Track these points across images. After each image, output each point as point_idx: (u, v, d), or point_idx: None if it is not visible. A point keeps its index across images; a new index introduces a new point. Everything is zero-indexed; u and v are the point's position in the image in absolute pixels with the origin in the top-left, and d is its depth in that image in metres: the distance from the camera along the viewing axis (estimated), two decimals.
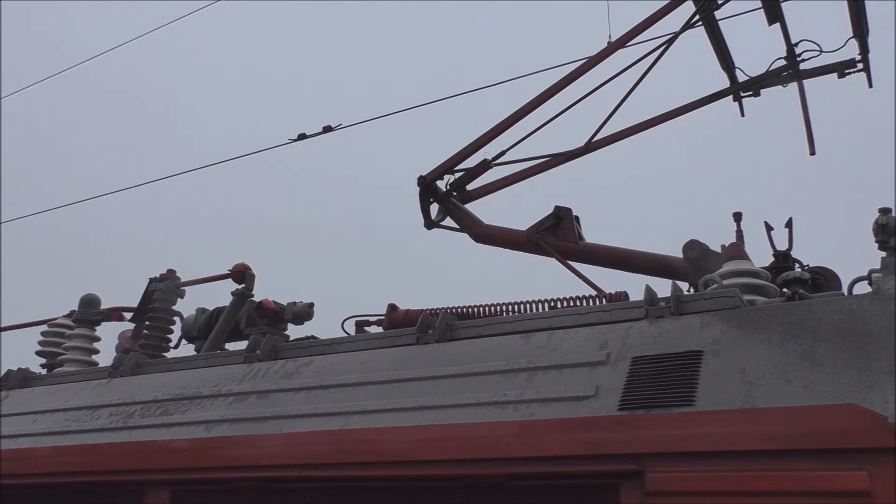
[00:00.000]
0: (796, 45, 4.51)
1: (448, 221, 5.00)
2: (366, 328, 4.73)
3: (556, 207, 4.62)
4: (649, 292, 2.99)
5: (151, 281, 5.38)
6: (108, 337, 5.56)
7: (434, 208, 4.99)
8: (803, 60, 4.52)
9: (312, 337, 4.55)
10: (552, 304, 4.08)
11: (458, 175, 4.89)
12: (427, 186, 4.88)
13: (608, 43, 4.63)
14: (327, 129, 6.14)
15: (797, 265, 3.87)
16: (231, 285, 5.04)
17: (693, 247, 4.09)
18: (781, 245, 3.96)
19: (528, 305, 4.12)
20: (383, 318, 4.68)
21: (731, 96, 4.74)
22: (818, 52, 4.47)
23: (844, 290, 3.26)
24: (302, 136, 6.11)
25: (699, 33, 4.65)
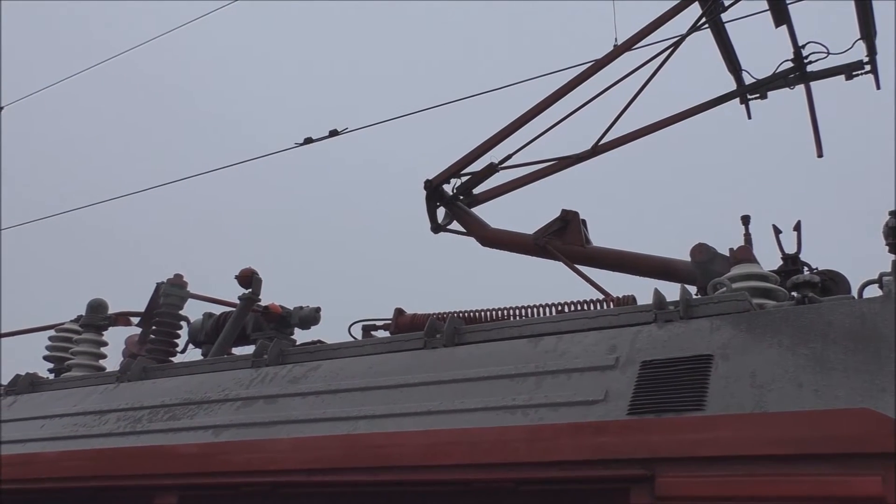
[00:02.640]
0: (803, 46, 4.50)
1: (454, 225, 4.99)
2: (373, 333, 4.72)
3: (563, 211, 4.61)
4: (658, 296, 2.97)
5: (158, 285, 5.38)
6: (116, 342, 5.58)
7: (441, 212, 4.99)
8: (810, 62, 4.51)
9: (319, 341, 4.55)
10: (560, 308, 4.06)
11: (464, 179, 4.89)
12: (433, 190, 4.87)
13: (614, 46, 4.62)
14: (333, 133, 6.14)
15: (806, 268, 3.85)
16: (238, 289, 5.05)
17: (701, 250, 4.07)
18: (790, 248, 3.95)
19: (535, 309, 4.11)
20: (390, 322, 4.68)
21: (737, 99, 4.73)
22: (825, 54, 4.45)
23: (854, 293, 3.24)
24: (308, 140, 6.12)
25: (706, 36, 4.65)
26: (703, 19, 4.51)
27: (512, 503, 2.53)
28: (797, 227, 3.94)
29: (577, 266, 4.43)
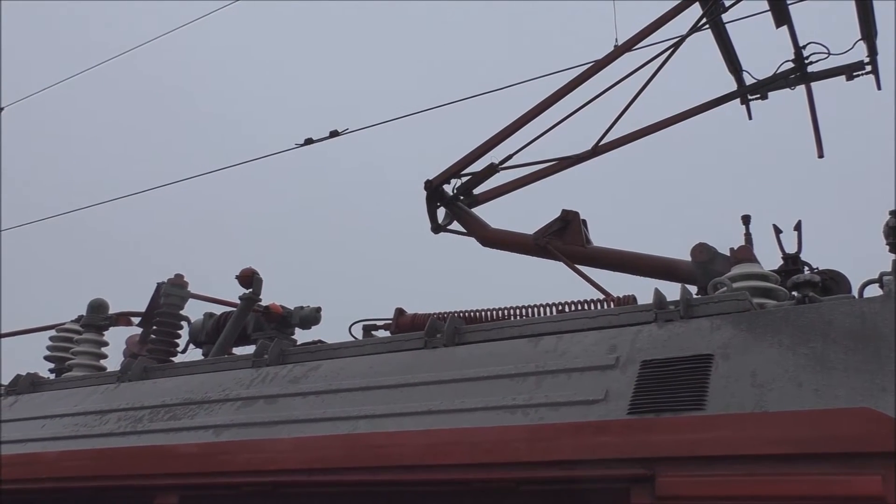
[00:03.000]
0: (804, 47, 4.50)
1: (455, 225, 4.99)
2: (373, 332, 4.72)
3: (564, 211, 4.61)
4: (658, 296, 2.98)
5: (159, 285, 5.38)
6: (116, 342, 5.58)
7: (441, 212, 4.99)
8: (811, 63, 4.50)
9: (320, 341, 4.55)
10: (560, 308, 4.06)
11: (464, 179, 4.89)
12: (434, 190, 4.88)
13: (615, 46, 4.62)
14: (334, 134, 6.15)
15: (807, 268, 3.85)
16: (238, 289, 5.05)
17: (702, 250, 4.07)
18: (790, 248, 3.95)
19: (536, 309, 4.11)
20: (391, 322, 4.68)
21: (738, 99, 4.73)
22: (826, 55, 4.45)
23: (855, 293, 3.24)
24: (309, 141, 6.12)
25: (706, 36, 4.65)
26: (704, 20, 4.51)
27: (512, 503, 2.53)
28: (798, 227, 3.94)
29: (577, 266, 4.43)
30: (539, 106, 4.67)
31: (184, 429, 3.45)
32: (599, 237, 4.63)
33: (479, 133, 4.87)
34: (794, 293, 3.37)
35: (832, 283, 3.67)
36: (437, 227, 4.97)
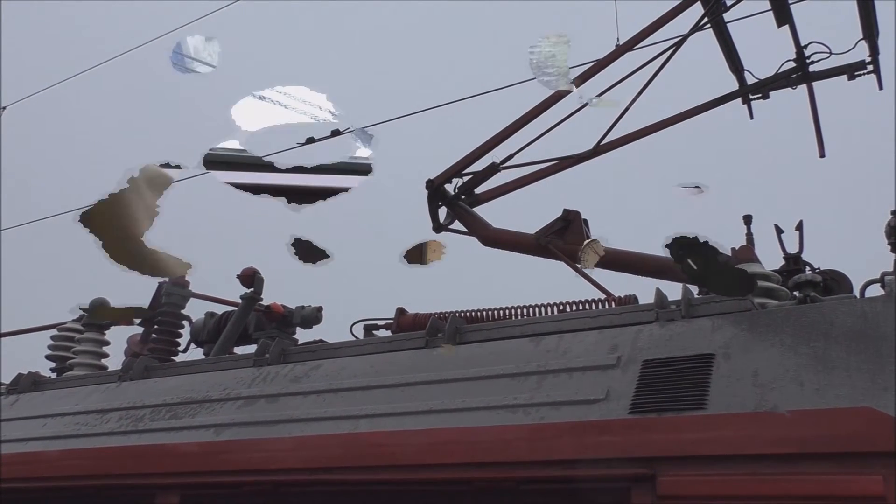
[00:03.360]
0: (805, 46, 4.49)
1: (456, 225, 4.99)
2: (374, 332, 4.72)
3: (565, 211, 4.61)
4: (659, 295, 2.98)
5: (160, 285, 5.38)
6: (118, 341, 5.58)
7: (442, 212, 4.98)
8: (813, 62, 4.49)
9: (321, 341, 4.54)
10: (561, 307, 4.06)
11: (466, 178, 4.88)
12: (435, 190, 4.87)
13: (616, 46, 4.62)
14: (335, 133, 6.14)
15: (808, 268, 3.85)
16: (239, 289, 5.05)
17: None
18: (792, 248, 3.94)
19: (537, 309, 4.11)
20: (392, 322, 4.68)
21: (739, 99, 4.72)
22: (828, 55, 4.44)
23: (856, 292, 3.24)
24: (310, 140, 6.11)
25: (708, 36, 4.64)
26: (706, 19, 4.50)
27: (513, 502, 2.53)
28: (799, 227, 3.94)
29: (578, 266, 4.42)
30: (539, 106, 4.66)
31: (185, 428, 3.45)
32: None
33: (479, 133, 4.86)
34: (796, 293, 3.37)
35: (833, 282, 3.66)
36: (438, 227, 4.97)
